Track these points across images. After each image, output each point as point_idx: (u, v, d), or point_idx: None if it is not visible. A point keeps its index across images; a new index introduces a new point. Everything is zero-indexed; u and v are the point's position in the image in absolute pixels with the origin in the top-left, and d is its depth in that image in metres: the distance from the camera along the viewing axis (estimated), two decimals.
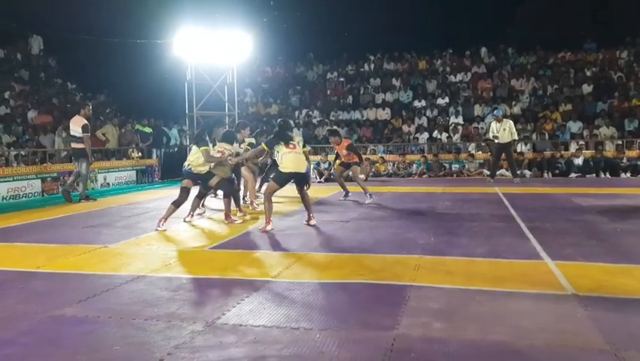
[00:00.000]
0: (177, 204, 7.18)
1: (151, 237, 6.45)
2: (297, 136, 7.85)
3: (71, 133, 10.23)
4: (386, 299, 3.81)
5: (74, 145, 10.25)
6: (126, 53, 19.41)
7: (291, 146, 6.85)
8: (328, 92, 22.31)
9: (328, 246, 5.78)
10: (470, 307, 3.58)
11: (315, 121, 20.24)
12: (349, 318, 3.43)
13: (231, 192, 7.73)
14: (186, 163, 7.55)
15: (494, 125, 13.54)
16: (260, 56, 21.46)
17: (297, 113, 21.12)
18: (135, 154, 15.20)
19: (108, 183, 13.60)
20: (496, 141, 13.36)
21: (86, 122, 10.03)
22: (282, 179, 6.91)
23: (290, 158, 6.80)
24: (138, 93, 18.84)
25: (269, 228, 6.63)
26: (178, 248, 5.77)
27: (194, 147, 7.43)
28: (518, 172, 14.04)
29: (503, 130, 13.17)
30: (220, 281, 4.39)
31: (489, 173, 14.10)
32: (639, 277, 4.22)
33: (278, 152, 6.90)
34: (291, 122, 12.02)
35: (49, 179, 11.78)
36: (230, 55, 15.98)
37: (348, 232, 6.58)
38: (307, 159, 7.05)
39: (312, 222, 7.01)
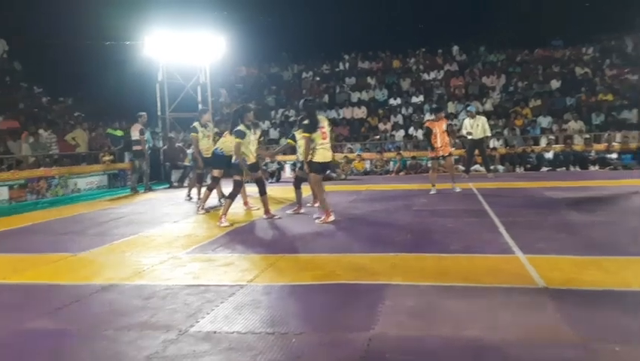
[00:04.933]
0: (232, 196, 7.38)
1: (124, 243, 6.33)
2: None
3: (132, 138, 12.42)
4: (363, 299, 3.81)
5: (134, 147, 12.47)
6: (95, 56, 19.02)
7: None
8: (304, 91, 22.27)
9: (305, 247, 5.76)
10: (445, 303, 3.61)
11: (291, 120, 20.19)
12: (325, 320, 3.42)
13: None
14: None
15: (467, 121, 13.72)
16: (234, 55, 21.27)
17: (273, 113, 21.06)
18: (107, 158, 14.93)
19: (79, 189, 13.33)
20: (470, 137, 13.54)
21: (142, 127, 12.28)
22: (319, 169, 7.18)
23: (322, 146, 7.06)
24: (109, 96, 18.49)
25: (331, 218, 7.03)
26: (152, 254, 5.67)
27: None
28: (491, 167, 14.25)
29: (476, 126, 13.36)
30: (194, 287, 4.32)
31: (463, 169, 14.27)
32: (608, 268, 4.31)
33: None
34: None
35: (16, 186, 11.47)
36: (202, 55, 15.83)
37: (325, 232, 6.56)
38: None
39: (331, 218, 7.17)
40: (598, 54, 20.97)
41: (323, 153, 7.08)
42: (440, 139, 9.99)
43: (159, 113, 15.79)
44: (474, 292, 3.85)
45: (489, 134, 13.91)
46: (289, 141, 8.08)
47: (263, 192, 7.71)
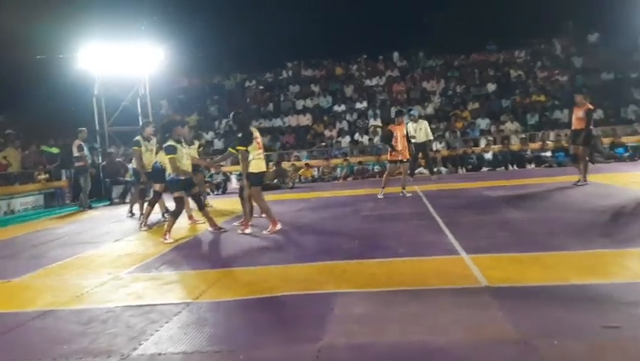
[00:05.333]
0: (176, 214, 7.14)
1: (62, 266, 6.03)
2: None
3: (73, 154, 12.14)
4: (311, 310, 3.78)
5: (76, 164, 12.26)
6: (27, 71, 18.13)
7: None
8: (248, 100, 22.15)
9: (252, 259, 5.67)
10: (393, 308, 3.64)
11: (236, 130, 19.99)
12: (274, 334, 3.36)
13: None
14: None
15: (410, 125, 14.03)
16: (174, 66, 20.88)
17: (216, 123, 20.78)
18: (42, 176, 14.22)
19: (12, 210, 12.61)
20: (413, 140, 13.85)
21: (80, 142, 12.09)
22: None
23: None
24: (43, 112, 17.65)
25: (278, 227, 6.97)
26: (91, 276, 5.42)
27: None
28: (435, 169, 14.63)
29: (419, 130, 13.69)
30: (137, 308, 4.15)
31: (408, 172, 14.55)
32: (546, 264, 4.48)
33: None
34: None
35: None
36: (140, 67, 15.41)
37: (272, 243, 6.50)
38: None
39: (248, 230, 7.07)
40: (530, 57, 22.04)
41: (258, 164, 7.01)
42: (401, 143, 10.12)
43: (97, 127, 15.23)
44: (421, 295, 3.90)
45: (431, 137, 14.29)
46: (230, 149, 7.94)
47: (201, 206, 7.59)
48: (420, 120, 14.17)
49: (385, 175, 10.63)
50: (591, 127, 9.93)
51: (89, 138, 16.41)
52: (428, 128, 14.00)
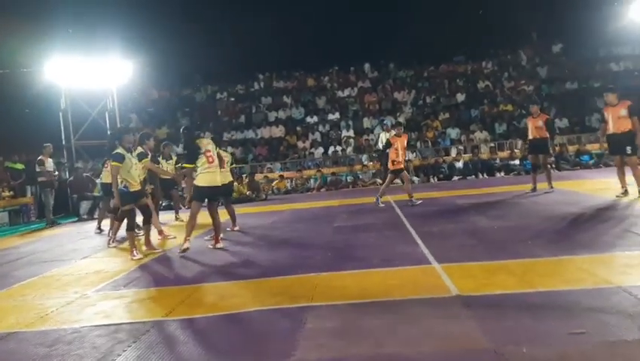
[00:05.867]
0: (131, 228, 6.94)
1: (25, 286, 5.84)
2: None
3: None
4: (283, 324, 3.74)
5: (39, 179, 12.02)
6: None
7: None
8: (219, 112, 22.02)
9: (224, 274, 5.59)
10: (365, 321, 3.62)
11: None
12: (245, 351, 3.31)
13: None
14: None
15: (383, 135, 14.18)
16: (144, 79, 20.66)
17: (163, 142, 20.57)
18: (6, 193, 13.80)
19: None
20: (386, 151, 13.97)
21: (41, 157, 11.93)
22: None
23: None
24: (6, 127, 17.16)
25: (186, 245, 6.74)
26: (57, 295, 5.25)
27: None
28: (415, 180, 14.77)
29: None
30: (104, 328, 4.04)
31: (381, 182, 14.65)
32: (515, 271, 4.54)
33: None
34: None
35: None
36: (108, 80, 15.18)
37: (245, 257, 6.43)
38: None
39: (219, 245, 6.98)
40: (497, 68, 22.56)
41: (205, 177, 6.80)
42: (402, 154, 10.23)
43: (63, 142, 14.90)
44: (393, 306, 3.90)
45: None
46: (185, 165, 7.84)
47: (146, 220, 7.27)
48: (392, 130, 14.30)
49: (384, 187, 10.68)
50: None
51: (55, 153, 16.07)
52: None
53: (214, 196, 7.07)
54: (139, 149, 8.27)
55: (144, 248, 7.29)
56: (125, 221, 7.06)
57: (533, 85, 21.04)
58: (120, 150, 6.84)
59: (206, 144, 6.96)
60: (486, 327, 3.26)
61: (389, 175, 10.63)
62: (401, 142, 10.26)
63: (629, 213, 7.02)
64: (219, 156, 7.10)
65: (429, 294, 4.08)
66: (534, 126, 10.33)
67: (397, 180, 15.09)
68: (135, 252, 6.80)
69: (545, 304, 3.62)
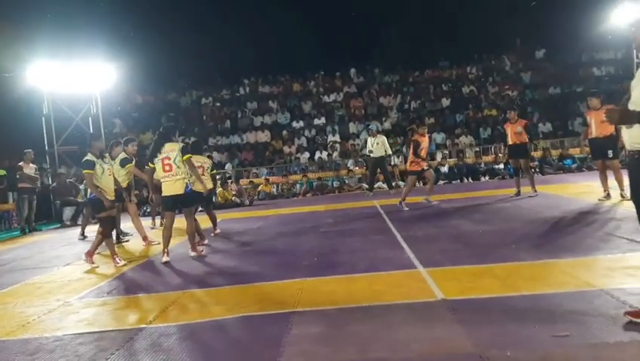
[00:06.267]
0: (104, 234, 6.81)
1: (7, 293, 5.74)
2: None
3: None
4: (268, 330, 3.72)
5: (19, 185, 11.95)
6: None
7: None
8: (204, 117, 21.92)
9: (209, 280, 5.55)
10: (350, 326, 3.62)
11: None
12: (229, 357, 3.30)
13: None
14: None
15: (369, 140, 14.22)
16: (128, 83, 20.49)
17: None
18: None
19: None
20: (371, 155, 14.02)
21: (20, 163, 11.97)
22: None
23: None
24: None
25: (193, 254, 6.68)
26: (39, 303, 5.17)
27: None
28: (393, 184, 14.82)
29: (377, 144, 13.86)
30: (87, 335, 3.98)
31: (367, 187, 14.69)
32: (499, 275, 4.58)
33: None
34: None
35: None
36: (92, 85, 15.03)
37: (230, 262, 6.39)
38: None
39: (192, 253, 6.76)
40: (481, 73, 22.79)
41: (164, 186, 6.61)
42: (425, 153, 10.25)
43: (46, 147, 14.71)
44: (379, 311, 3.90)
45: (389, 152, 14.47)
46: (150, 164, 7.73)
47: (104, 233, 6.85)
48: (379, 135, 14.34)
49: (407, 188, 10.58)
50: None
51: (38, 159, 15.86)
52: (386, 142, 14.19)
53: (176, 205, 6.75)
54: (123, 154, 8.20)
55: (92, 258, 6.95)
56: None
57: (517, 90, 21.29)
58: (89, 157, 6.68)
59: (168, 150, 6.60)
60: (470, 331, 3.27)
61: (411, 176, 10.57)
62: (425, 141, 10.28)
63: (611, 217, 7.12)
64: (190, 163, 6.69)
65: (414, 299, 4.09)
66: (512, 132, 10.46)
67: (382, 185, 15.21)
68: (117, 258, 6.72)
69: (529, 308, 3.64)
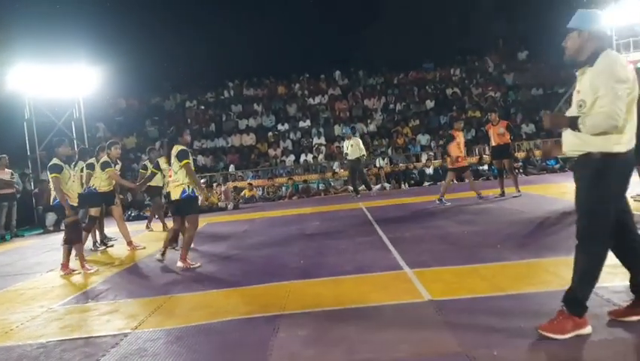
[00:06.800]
0: (68, 241, 6.72)
1: None
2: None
3: None
4: (255, 334, 3.71)
5: None
6: None
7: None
8: (189, 120, 21.76)
9: (195, 284, 5.51)
10: (338, 328, 3.62)
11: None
12: None
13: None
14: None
15: (345, 143, 14.28)
16: (111, 87, 20.27)
17: (157, 144, 20.25)
18: None
19: None
20: (348, 158, 14.08)
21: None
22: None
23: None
24: None
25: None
26: (21, 309, 5.09)
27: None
28: (378, 185, 14.88)
29: (351, 147, 13.90)
30: (71, 342, 3.93)
31: (352, 189, 14.71)
32: (485, 275, 4.62)
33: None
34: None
35: None
36: (74, 89, 14.84)
37: (216, 266, 6.36)
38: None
39: (179, 264, 6.30)
40: (465, 75, 22.99)
41: (170, 192, 6.44)
42: (462, 150, 10.26)
43: (28, 152, 14.49)
44: (367, 312, 3.92)
45: (363, 153, 14.30)
46: (153, 169, 7.74)
47: (68, 240, 6.69)
48: (353, 137, 14.37)
49: (446, 183, 10.59)
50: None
51: (20, 164, 15.60)
52: (360, 144, 14.11)
53: (178, 211, 6.57)
54: (105, 157, 8.12)
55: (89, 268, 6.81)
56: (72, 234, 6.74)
57: (500, 91, 21.52)
58: (56, 161, 6.58)
59: (162, 162, 6.97)
60: (458, 331, 3.30)
61: (450, 173, 10.56)
62: (461, 137, 10.20)
63: None
64: (187, 168, 6.55)
65: (401, 299, 4.11)
66: (495, 133, 10.58)
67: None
68: (87, 266, 6.69)
69: (514, 307, 3.69)
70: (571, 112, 3.19)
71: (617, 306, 3.38)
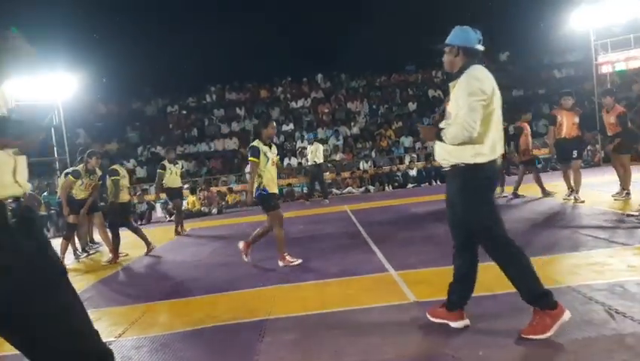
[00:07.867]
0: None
1: None
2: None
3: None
4: (241, 339, 3.67)
5: None
6: None
7: None
8: (170, 125, 21.61)
9: (180, 290, 5.44)
10: (324, 331, 3.60)
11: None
12: None
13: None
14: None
15: (308, 148, 14.36)
16: (91, 93, 20.02)
17: (139, 149, 20.07)
18: None
19: None
20: (308, 163, 14.18)
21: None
22: None
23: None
24: None
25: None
26: None
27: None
28: (363, 188, 14.91)
29: (312, 152, 13.96)
30: None
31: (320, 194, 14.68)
32: None
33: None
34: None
35: None
36: (53, 94, 14.62)
37: (201, 272, 6.30)
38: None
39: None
40: (447, 77, 23.15)
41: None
42: (529, 142, 10.17)
43: None
44: (352, 315, 3.90)
45: (319, 160, 14.23)
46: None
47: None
48: (315, 143, 14.42)
49: (518, 177, 10.42)
50: None
51: None
52: (320, 151, 14.16)
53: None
54: (81, 166, 8.03)
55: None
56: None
57: None
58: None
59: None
60: (443, 332, 3.30)
61: (522, 167, 10.45)
62: (527, 129, 10.10)
63: (576, 215, 7.33)
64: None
65: (387, 301, 4.10)
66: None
67: (352, 190, 15.24)
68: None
69: (500, 307, 3.70)
70: (442, 124, 3.29)
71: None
